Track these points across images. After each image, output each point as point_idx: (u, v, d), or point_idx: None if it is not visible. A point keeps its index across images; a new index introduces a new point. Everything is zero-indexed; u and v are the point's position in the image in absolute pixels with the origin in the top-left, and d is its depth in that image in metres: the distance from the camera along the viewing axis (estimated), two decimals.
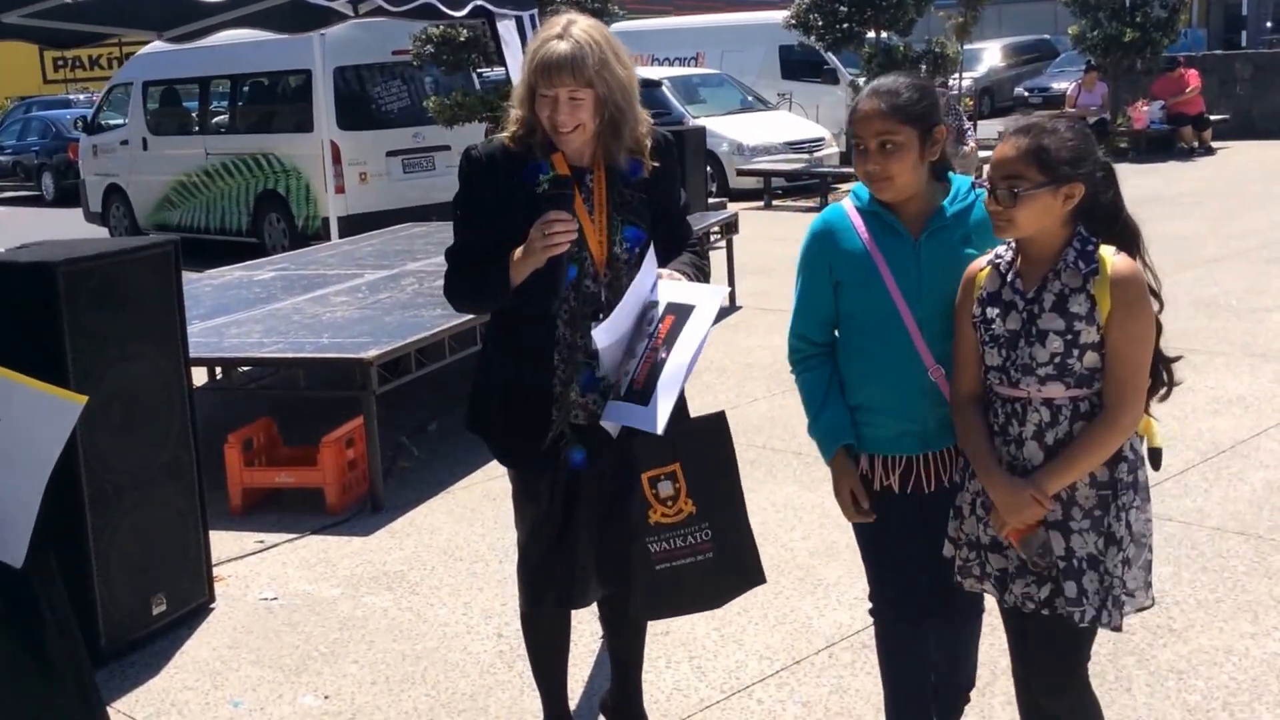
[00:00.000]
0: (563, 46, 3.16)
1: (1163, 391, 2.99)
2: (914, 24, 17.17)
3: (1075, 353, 2.83)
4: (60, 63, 42.16)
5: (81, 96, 33.52)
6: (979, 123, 19.03)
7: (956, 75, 18.83)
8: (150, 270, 4.77)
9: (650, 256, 3.25)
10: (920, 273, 3.06)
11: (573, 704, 3.88)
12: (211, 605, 5.03)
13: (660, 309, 3.23)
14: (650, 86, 16.17)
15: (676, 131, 9.31)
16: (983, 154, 16.85)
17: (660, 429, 3.09)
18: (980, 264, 2.97)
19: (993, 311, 2.92)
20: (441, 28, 14.33)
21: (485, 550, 5.42)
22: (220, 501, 5.80)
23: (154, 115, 15.96)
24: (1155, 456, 3.04)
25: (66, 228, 15.77)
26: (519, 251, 3.21)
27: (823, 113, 19.75)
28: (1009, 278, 2.91)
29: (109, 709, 3.71)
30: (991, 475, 2.92)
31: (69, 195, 21.00)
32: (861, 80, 17.39)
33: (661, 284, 3.26)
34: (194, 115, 16.13)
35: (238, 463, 6.09)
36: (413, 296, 7.57)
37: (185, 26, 7.94)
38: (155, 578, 4.77)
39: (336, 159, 13.30)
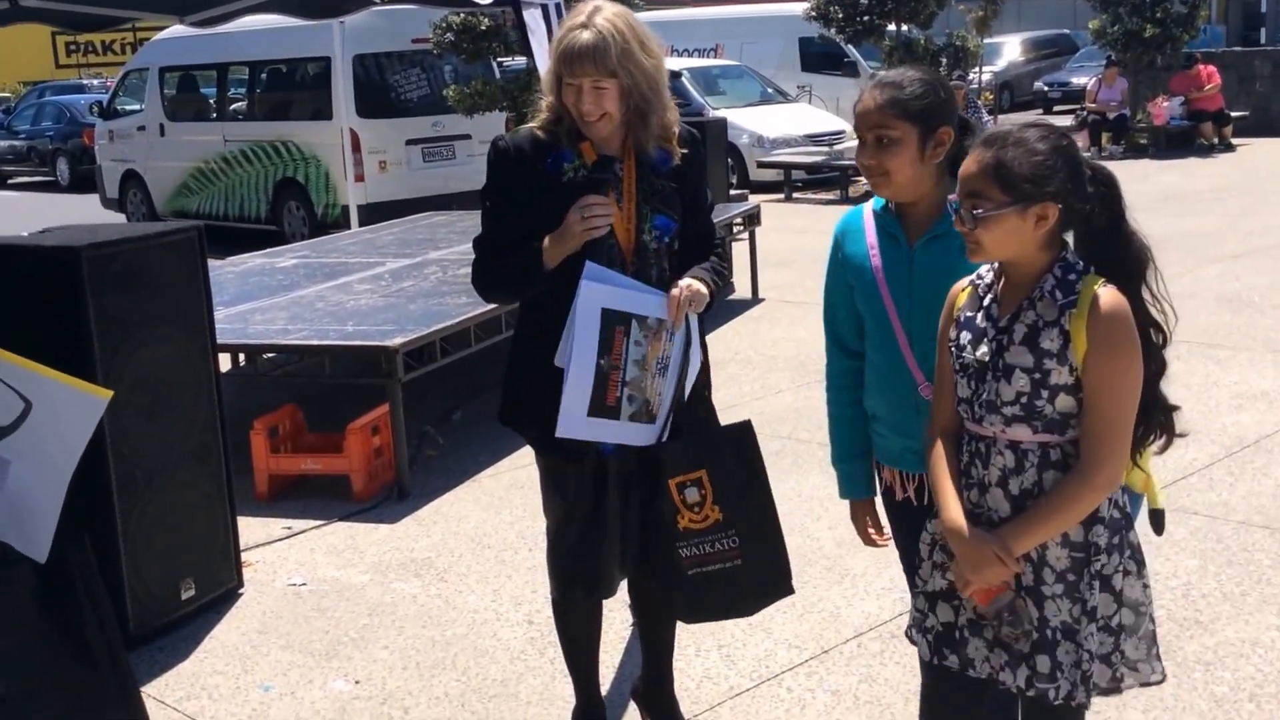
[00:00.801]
0: (586, 36, 3.17)
1: (1161, 443, 2.66)
2: (934, 17, 17.11)
3: (1044, 394, 2.51)
4: (72, 48, 42.28)
5: (95, 81, 33.58)
6: (998, 117, 19.01)
7: (976, 69, 18.77)
8: (175, 255, 4.78)
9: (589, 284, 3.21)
10: (912, 282, 2.89)
11: (603, 690, 3.89)
12: (240, 590, 5.05)
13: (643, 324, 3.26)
14: (670, 77, 16.14)
15: (698, 123, 9.31)
16: None
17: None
18: (963, 283, 2.71)
19: (965, 337, 2.64)
20: (462, 16, 14.32)
21: (514, 538, 5.43)
22: (246, 488, 5.82)
23: (171, 101, 15.98)
24: (1157, 520, 2.77)
25: (83, 214, 15.81)
26: (550, 238, 3.23)
27: (843, 105, 19.70)
28: (985, 302, 2.63)
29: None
30: (953, 522, 2.61)
31: (84, 181, 21.05)
32: (901, 67, 17.41)
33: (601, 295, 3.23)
34: (212, 102, 16.14)
35: (264, 449, 6.11)
36: (436, 285, 7.59)
37: (207, 11, 7.92)
38: (184, 562, 4.78)
39: (356, 147, 13.31)
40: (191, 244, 4.85)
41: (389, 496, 6.06)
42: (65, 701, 3.16)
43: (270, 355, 7.12)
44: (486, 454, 6.55)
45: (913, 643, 2.82)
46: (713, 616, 3.58)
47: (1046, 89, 27.41)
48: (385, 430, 6.20)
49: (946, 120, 2.86)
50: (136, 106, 16.58)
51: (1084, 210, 2.53)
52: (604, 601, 3.69)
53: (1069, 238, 2.60)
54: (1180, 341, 7.92)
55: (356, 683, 4.29)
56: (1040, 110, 26.63)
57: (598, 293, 3.17)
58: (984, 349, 2.58)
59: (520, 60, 15.24)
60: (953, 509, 2.61)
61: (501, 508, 5.83)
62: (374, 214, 12.70)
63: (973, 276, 2.69)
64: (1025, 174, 2.46)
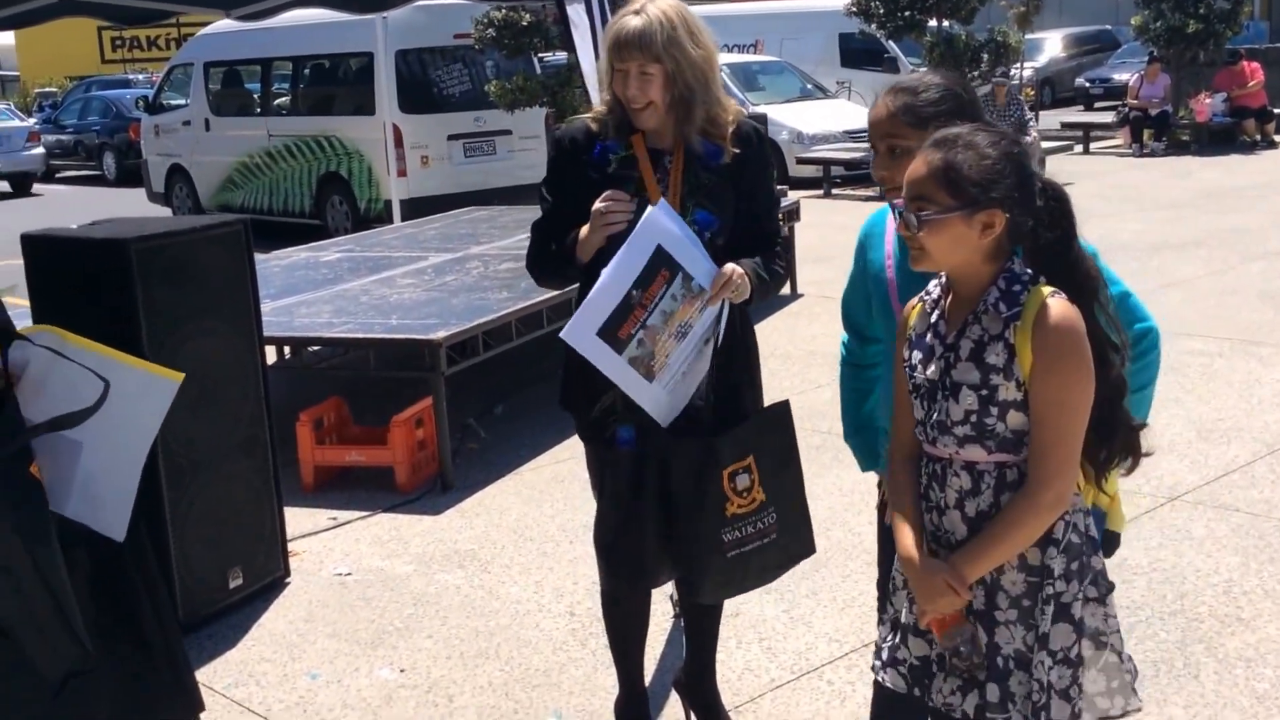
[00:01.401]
0: (635, 22, 3.24)
1: (1126, 465, 2.54)
2: (976, 12, 16.99)
3: (993, 411, 2.39)
4: (118, 43, 42.70)
5: (141, 76, 33.90)
6: (1040, 113, 18.91)
7: (1018, 65, 18.67)
8: (222, 248, 4.85)
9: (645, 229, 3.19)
10: (914, 291, 2.75)
11: (646, 680, 3.93)
12: (287, 580, 5.12)
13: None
14: None
15: None
16: (1045, 145, 16.76)
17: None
18: (914, 301, 2.61)
19: (916, 356, 2.53)
20: (504, 11, 14.39)
21: (555, 531, 5.49)
22: (292, 479, 5.90)
23: (216, 96, 16.13)
24: (1109, 542, 2.64)
25: (130, 207, 15.97)
26: (582, 231, 3.31)
27: None
28: (933, 319, 2.52)
29: None
30: (906, 550, 2.51)
31: (130, 175, 21.27)
32: (923, 69, 17.31)
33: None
34: (256, 97, 16.28)
35: (309, 441, 6.19)
36: (478, 279, 7.65)
37: (253, 5, 7.99)
38: (232, 552, 4.86)
39: (398, 142, 13.39)
40: (238, 237, 4.92)
41: (432, 488, 6.12)
42: (120, 687, 3.22)
43: (315, 348, 7.20)
44: (528, 448, 6.61)
45: (874, 672, 2.68)
46: (739, 590, 3.60)
47: (1088, 85, 27.21)
48: (428, 423, 6.26)
49: None
50: (182, 101, 16.74)
51: (1030, 223, 2.41)
52: (650, 594, 3.73)
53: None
54: (1223, 339, 7.94)
55: (402, 671, 4.35)
56: (1081, 106, 26.48)
57: (660, 227, 3.16)
58: (933, 368, 2.47)
59: (561, 55, 15.31)
60: (906, 538, 2.52)
61: (543, 501, 5.88)
62: (416, 209, 12.79)
63: (922, 293, 2.59)
64: (974, 178, 2.35)
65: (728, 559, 3.35)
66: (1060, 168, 17.18)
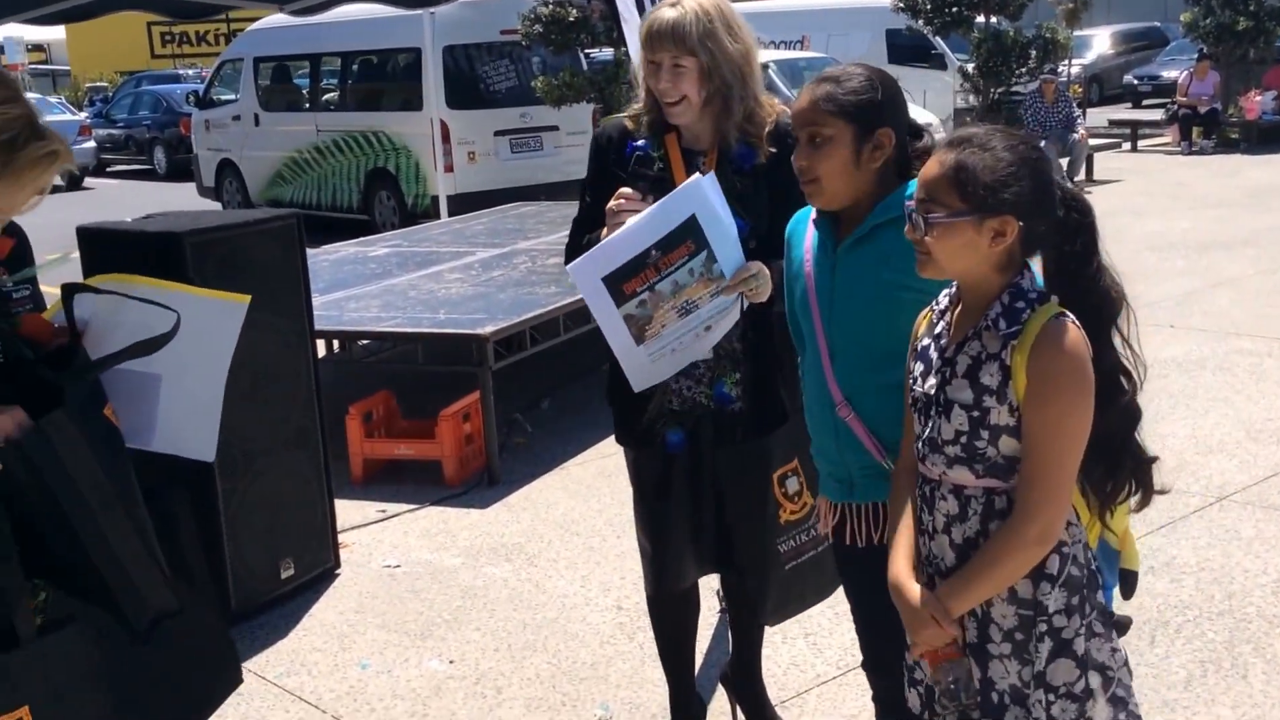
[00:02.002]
0: (669, 13, 3.16)
1: (1136, 499, 2.40)
2: (1024, 9, 16.88)
3: (983, 434, 2.27)
4: (167, 38, 43.10)
5: (190, 71, 34.21)
6: (1088, 111, 18.76)
7: (1066, 62, 18.53)
8: (274, 242, 4.91)
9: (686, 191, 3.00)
10: (834, 290, 2.69)
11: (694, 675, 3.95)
12: (337, 571, 5.19)
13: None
14: None
15: None
16: (1093, 142, 16.63)
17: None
18: (926, 310, 2.49)
19: (919, 368, 2.41)
20: (550, 7, 14.43)
21: (602, 525, 5.52)
22: (341, 471, 5.97)
23: (265, 91, 16.27)
24: (1127, 582, 2.51)
25: (180, 201, 16.16)
26: (603, 231, 3.23)
27: (930, 99, 19.57)
28: (938, 329, 2.40)
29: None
30: (893, 577, 2.40)
31: (181, 169, 21.49)
32: (970, 66, 17.19)
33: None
34: (304, 92, 16.40)
35: (359, 434, 6.26)
36: (525, 274, 7.69)
37: (304, 0, 8.05)
38: (284, 543, 4.93)
39: (446, 138, 13.45)
40: (290, 231, 4.99)
41: (479, 482, 6.18)
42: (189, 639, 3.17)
43: (364, 342, 7.27)
44: (574, 442, 6.65)
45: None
46: (799, 609, 3.58)
47: (1136, 82, 26.96)
48: (476, 417, 6.32)
49: (887, 121, 2.62)
50: (232, 96, 16.90)
51: (1046, 232, 2.28)
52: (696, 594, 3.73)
53: (1038, 267, 2.36)
54: (1273, 338, 7.89)
55: (450, 662, 4.40)
56: (1130, 104, 26.25)
57: (700, 198, 2.97)
58: (931, 381, 2.36)
59: (607, 51, 15.33)
60: (898, 561, 2.40)
61: (589, 495, 5.92)
62: (462, 204, 12.86)
63: (933, 301, 2.47)
64: (986, 181, 2.21)
65: (785, 571, 3.31)
66: (1108, 165, 17.06)
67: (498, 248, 8.77)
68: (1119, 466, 2.35)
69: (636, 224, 2.99)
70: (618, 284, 3.01)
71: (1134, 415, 2.35)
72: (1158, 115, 20.44)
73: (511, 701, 4.12)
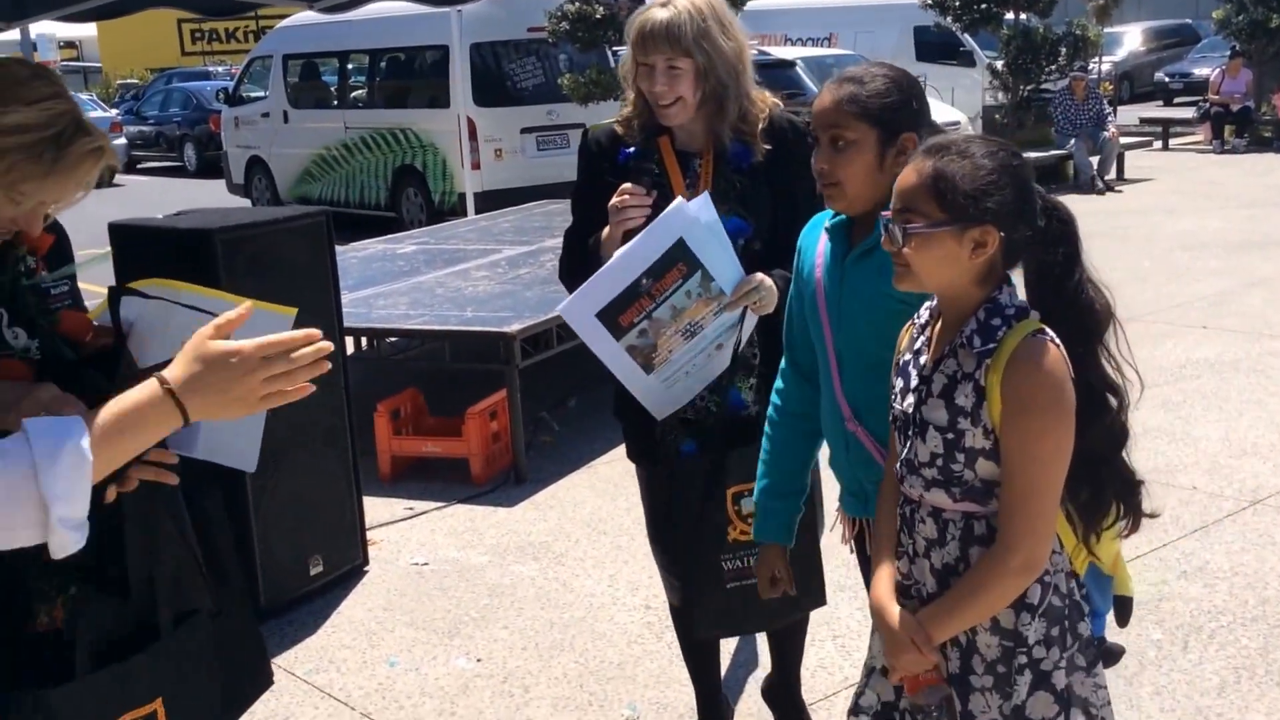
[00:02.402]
0: (661, 14, 3.08)
1: (1123, 525, 2.29)
2: (1054, 5, 16.79)
3: (959, 457, 2.18)
4: (197, 35, 43.29)
5: (220, 69, 34.37)
6: (1118, 109, 18.64)
7: (1096, 59, 18.41)
8: (304, 239, 4.92)
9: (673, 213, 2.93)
10: (841, 299, 2.63)
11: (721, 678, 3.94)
12: (365, 568, 5.20)
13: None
14: (784, 67, 16.11)
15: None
16: (1124, 140, 16.51)
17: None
18: (909, 323, 2.40)
19: (899, 385, 2.33)
20: (578, 4, 14.43)
21: (630, 524, 5.51)
22: (369, 468, 5.97)
23: (294, 89, 16.33)
24: (1122, 609, 2.40)
25: (210, 198, 16.23)
26: (605, 230, 3.18)
27: (958, 96, 19.50)
28: (918, 344, 2.31)
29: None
30: (874, 599, 2.33)
31: (211, 166, 21.58)
32: (999, 63, 17.09)
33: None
34: (333, 89, 16.46)
35: (387, 431, 6.27)
36: (552, 273, 7.66)
37: None
38: (312, 539, 4.94)
39: (473, 135, 13.48)
40: (320, 229, 5.00)
41: (506, 480, 6.18)
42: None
43: (391, 339, 7.29)
44: (601, 441, 6.63)
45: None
46: (734, 631, 3.48)
47: (1167, 80, 26.82)
48: (503, 415, 6.32)
49: (912, 125, 2.54)
50: (261, 93, 16.96)
51: (1028, 242, 2.18)
52: None
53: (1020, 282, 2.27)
54: None
55: (478, 660, 4.40)
56: (1160, 102, 26.09)
57: (686, 220, 2.91)
58: (909, 400, 2.27)
59: None
60: (880, 581, 2.33)
61: (616, 494, 5.91)
62: (489, 201, 12.86)
63: (915, 315, 2.38)
64: (967, 189, 2.11)
65: (726, 590, 3.21)
66: (1139, 163, 16.96)
67: (524, 245, 8.78)
68: (1104, 488, 2.24)
69: (622, 255, 2.95)
70: (613, 317, 2.97)
71: (1120, 434, 2.25)
72: (1189, 113, 20.31)
73: (539, 701, 4.12)
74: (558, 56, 15.07)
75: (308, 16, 13.84)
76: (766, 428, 2.88)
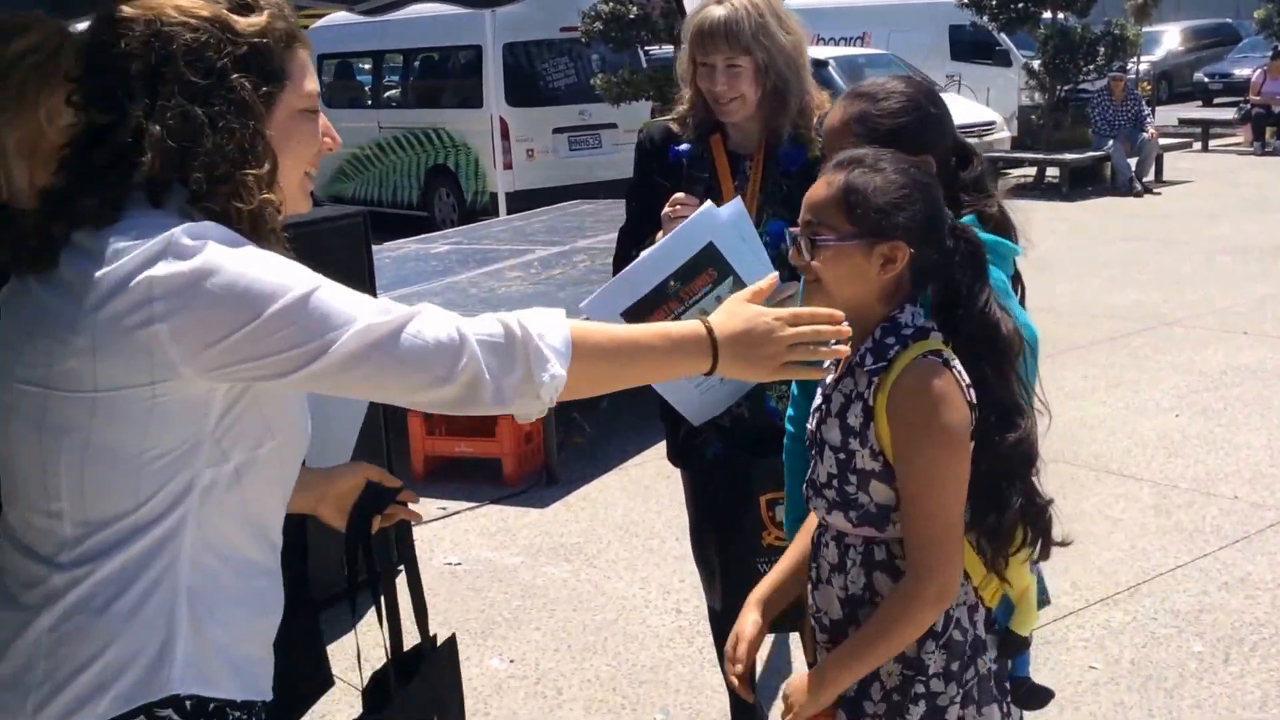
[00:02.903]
0: (719, 12, 3.05)
1: (1031, 551, 2.18)
2: (1092, 4, 16.64)
3: (852, 479, 2.12)
4: None
5: None
6: (1156, 109, 18.50)
7: (1135, 59, 18.26)
8: (342, 239, 4.93)
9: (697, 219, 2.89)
10: None
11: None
12: (399, 567, 5.18)
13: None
14: (816, 66, 16.06)
15: None
16: (1163, 141, 16.37)
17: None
18: None
19: (814, 404, 2.27)
20: (611, 5, 14.43)
21: (661, 527, 5.49)
22: (403, 467, 5.98)
23: (329, 88, 16.36)
24: (1010, 644, 2.25)
25: None
26: (658, 236, 3.13)
27: (993, 96, 19.39)
28: (827, 363, 2.17)
29: None
30: (750, 599, 2.32)
31: None
32: (1036, 63, 16.96)
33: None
34: (367, 89, 16.53)
35: (421, 431, 6.27)
36: (585, 273, 7.68)
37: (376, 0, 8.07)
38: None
39: (505, 135, 13.50)
40: (358, 228, 5.01)
41: (538, 481, 6.17)
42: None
43: None
44: (632, 443, 6.62)
45: None
46: (768, 629, 3.47)
47: (1207, 80, 26.60)
48: None
49: (929, 144, 2.39)
50: None
51: (936, 262, 2.12)
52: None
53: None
54: None
55: (511, 661, 4.39)
56: (1200, 102, 25.88)
57: (716, 225, 2.86)
58: (814, 418, 2.22)
59: (668, 49, 15.30)
60: (759, 587, 2.35)
61: (648, 496, 5.90)
62: (521, 201, 12.87)
63: None
64: (877, 203, 2.07)
65: None
66: (1178, 165, 16.82)
67: (557, 246, 8.77)
68: (1008, 510, 2.13)
69: (649, 256, 2.91)
70: (641, 318, 2.89)
71: (1027, 456, 2.15)
72: (1229, 114, 20.13)
73: (571, 703, 4.11)
74: (590, 56, 15.07)
75: (344, 16, 13.87)
76: (787, 455, 2.71)
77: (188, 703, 1.71)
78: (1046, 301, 9.49)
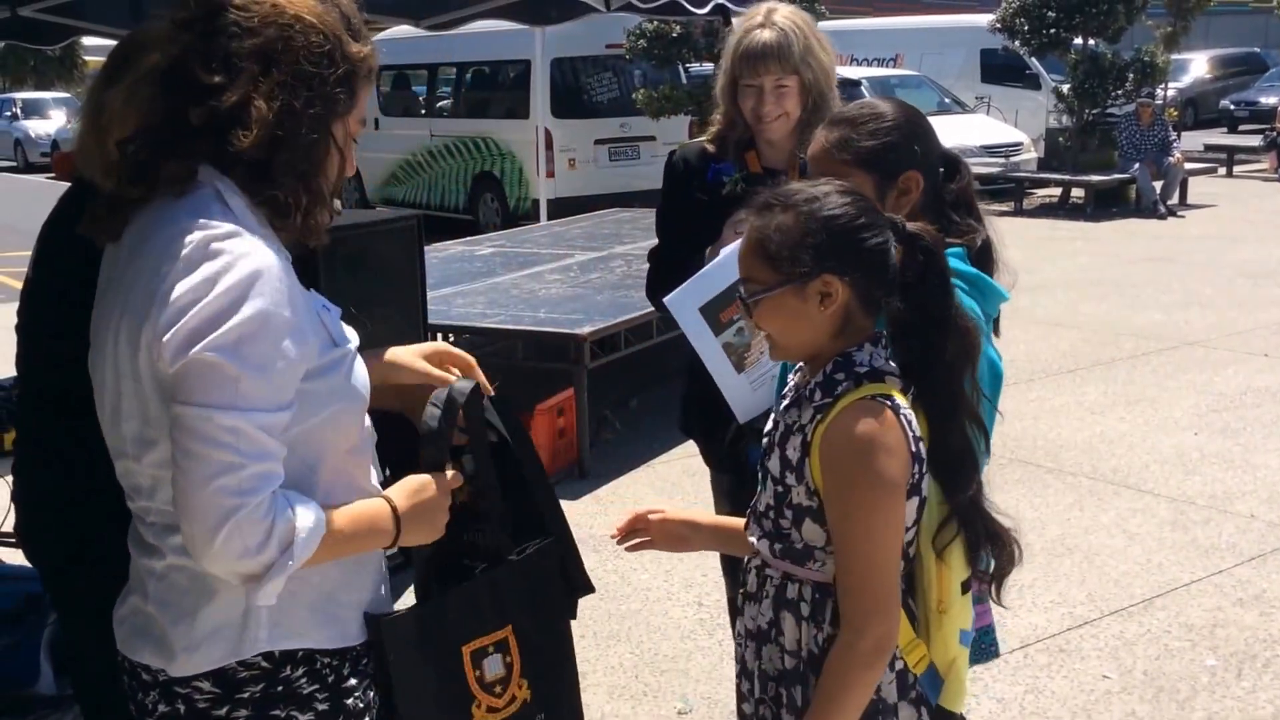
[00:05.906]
0: (767, 35, 3.11)
1: (986, 576, 2.13)
2: (1123, 32, 16.80)
3: (788, 513, 2.04)
4: None
5: None
6: (1183, 135, 18.60)
7: (1163, 86, 18.37)
8: (396, 241, 5.21)
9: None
10: None
11: None
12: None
13: None
14: (849, 85, 16.27)
15: None
16: (1188, 167, 16.49)
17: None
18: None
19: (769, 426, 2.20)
20: (655, 23, 14.70)
21: None
22: None
23: (385, 98, 16.88)
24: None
25: None
26: (709, 252, 3.14)
27: (1022, 118, 19.57)
28: (786, 391, 2.19)
29: None
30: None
31: None
32: (1065, 87, 17.10)
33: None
34: (421, 99, 17.04)
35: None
36: (621, 278, 7.92)
37: (441, 16, 8.33)
38: None
39: (549, 145, 13.91)
40: (412, 231, 5.31)
41: (570, 474, 6.42)
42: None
43: (466, 336, 7.52)
44: (660, 441, 6.82)
45: None
46: None
47: (1233, 107, 26.64)
48: (569, 412, 6.55)
49: (912, 163, 2.36)
50: None
51: (886, 283, 2.01)
52: None
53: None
54: None
55: None
56: (1225, 129, 25.91)
57: None
58: (765, 444, 2.15)
59: (707, 66, 15.57)
60: (682, 514, 2.44)
61: (675, 492, 6.10)
62: (561, 208, 13.26)
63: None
64: (789, 245, 1.99)
65: None
66: (1203, 190, 16.87)
67: (595, 251, 9.03)
68: (974, 527, 2.09)
69: (728, 254, 2.92)
70: (714, 313, 2.97)
71: (973, 504, 2.10)
72: (1254, 141, 20.20)
73: (595, 688, 4.23)
74: (633, 72, 15.48)
75: (402, 30, 14.17)
76: None
77: (277, 653, 1.82)
78: (1070, 319, 9.64)
